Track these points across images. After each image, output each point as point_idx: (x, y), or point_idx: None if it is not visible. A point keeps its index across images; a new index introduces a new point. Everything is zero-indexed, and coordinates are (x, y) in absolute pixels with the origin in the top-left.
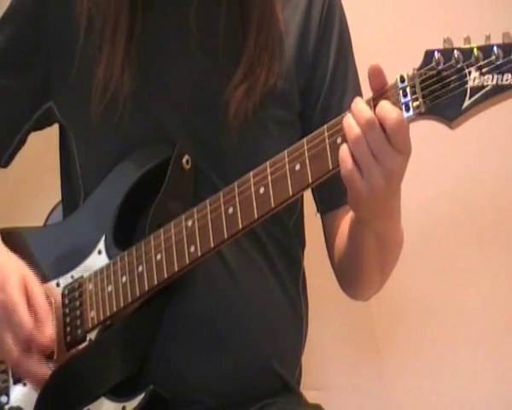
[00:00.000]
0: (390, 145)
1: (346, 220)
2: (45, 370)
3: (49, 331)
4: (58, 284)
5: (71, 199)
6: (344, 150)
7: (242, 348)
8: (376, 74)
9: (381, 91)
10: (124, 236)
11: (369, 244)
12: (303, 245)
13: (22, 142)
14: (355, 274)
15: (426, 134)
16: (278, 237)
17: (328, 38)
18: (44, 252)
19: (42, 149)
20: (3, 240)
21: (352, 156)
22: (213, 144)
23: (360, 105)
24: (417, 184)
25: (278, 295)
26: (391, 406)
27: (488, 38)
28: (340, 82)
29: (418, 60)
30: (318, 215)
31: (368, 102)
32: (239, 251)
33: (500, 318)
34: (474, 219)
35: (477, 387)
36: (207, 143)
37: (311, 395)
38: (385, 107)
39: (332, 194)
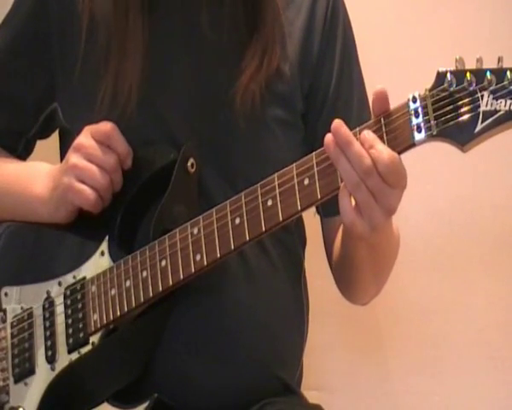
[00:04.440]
0: (387, 185)
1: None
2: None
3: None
4: (60, 284)
5: None
6: (344, 199)
7: (245, 354)
8: (381, 100)
9: (390, 111)
10: (127, 238)
11: (361, 255)
12: (304, 243)
13: (29, 147)
14: (349, 280)
15: (428, 143)
16: (280, 236)
17: (333, 40)
18: (46, 249)
19: (44, 151)
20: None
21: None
22: (218, 143)
23: (356, 149)
24: (419, 188)
25: (280, 296)
26: (392, 406)
27: (501, 59)
28: (346, 85)
29: (423, 79)
30: (317, 215)
31: (377, 122)
32: (240, 253)
33: (501, 319)
34: (474, 223)
35: (478, 388)
36: (211, 140)
37: (312, 396)
38: (377, 148)
39: (334, 201)
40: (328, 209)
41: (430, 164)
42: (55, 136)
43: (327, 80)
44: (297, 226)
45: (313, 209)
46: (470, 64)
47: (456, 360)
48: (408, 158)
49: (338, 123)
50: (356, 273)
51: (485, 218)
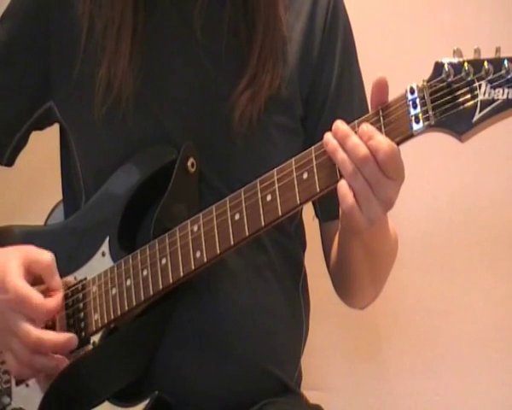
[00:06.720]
0: (384, 175)
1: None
2: (58, 362)
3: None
4: None
5: (72, 199)
6: (344, 185)
7: (243, 354)
8: (381, 88)
9: (388, 103)
10: (127, 238)
11: (357, 254)
12: (304, 247)
13: (23, 140)
14: (347, 285)
15: (427, 139)
16: (280, 241)
17: (333, 43)
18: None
19: (43, 147)
20: (4, 237)
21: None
22: (216, 149)
23: (353, 140)
24: (419, 186)
25: (279, 299)
26: (392, 406)
27: (498, 50)
28: (346, 87)
29: (422, 70)
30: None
31: (375, 114)
32: (240, 255)
33: (501, 319)
34: (474, 221)
35: (478, 388)
36: (209, 147)
37: (312, 396)
38: (376, 138)
39: (332, 204)
40: (327, 213)
41: (429, 162)
42: (53, 129)
43: (327, 83)
44: (297, 230)
45: (312, 213)
46: (468, 56)
47: (456, 360)
48: (407, 157)
49: (339, 121)
50: (353, 277)
51: (484, 216)
